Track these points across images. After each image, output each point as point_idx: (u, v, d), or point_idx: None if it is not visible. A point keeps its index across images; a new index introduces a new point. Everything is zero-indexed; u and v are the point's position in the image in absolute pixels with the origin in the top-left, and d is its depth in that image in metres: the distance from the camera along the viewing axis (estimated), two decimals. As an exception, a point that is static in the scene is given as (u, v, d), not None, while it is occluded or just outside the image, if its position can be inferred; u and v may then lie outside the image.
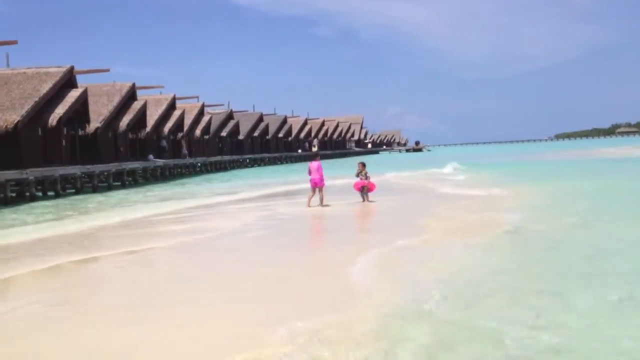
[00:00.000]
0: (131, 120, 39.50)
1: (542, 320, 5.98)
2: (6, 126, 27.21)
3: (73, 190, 28.92)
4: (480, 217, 13.95)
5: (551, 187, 21.44)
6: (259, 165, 64.01)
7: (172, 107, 48.11)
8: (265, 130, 73.27)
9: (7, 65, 33.06)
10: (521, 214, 14.02)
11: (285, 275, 8.74)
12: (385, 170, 38.26)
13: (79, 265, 10.33)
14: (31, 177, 25.04)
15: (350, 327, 5.95)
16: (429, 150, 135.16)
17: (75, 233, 14.34)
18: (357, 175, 18.81)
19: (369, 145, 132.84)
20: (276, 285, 8.08)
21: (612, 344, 5.34)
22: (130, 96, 40.39)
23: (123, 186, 33.18)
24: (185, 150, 48.30)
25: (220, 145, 61.55)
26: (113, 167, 33.63)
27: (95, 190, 29.84)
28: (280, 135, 78.96)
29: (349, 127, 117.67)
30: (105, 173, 33.05)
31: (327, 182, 18.57)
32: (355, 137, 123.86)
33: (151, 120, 43.93)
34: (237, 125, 64.32)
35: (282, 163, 70.55)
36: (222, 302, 7.29)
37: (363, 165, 18.88)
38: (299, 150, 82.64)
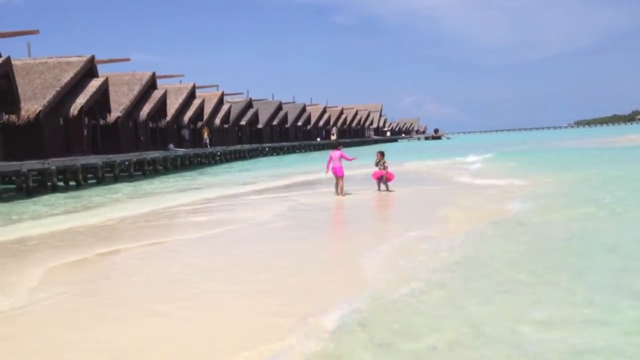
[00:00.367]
0: (151, 109, 39.73)
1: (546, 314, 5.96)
2: (28, 116, 27.44)
3: (95, 180, 29.17)
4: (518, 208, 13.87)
5: (595, 176, 20.73)
6: (278, 154, 64.14)
7: (192, 96, 48.29)
8: (284, 118, 73.31)
9: (29, 54, 33.39)
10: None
11: (311, 267, 8.82)
12: (405, 158, 38.13)
13: (103, 257, 10.48)
14: (53, 167, 25.10)
15: (370, 318, 5.98)
16: (448, 139, 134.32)
17: (102, 225, 14.51)
18: (376, 165, 18.77)
19: (388, 134, 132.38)
20: (298, 278, 8.13)
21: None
22: (151, 85, 40.62)
23: (144, 175, 33.41)
24: (206, 139, 48.37)
25: (239, 134, 61.72)
26: (134, 156, 33.84)
27: (116, 179, 30.06)
28: (299, 123, 78.96)
29: (368, 115, 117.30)
30: (127, 162, 33.24)
31: (345, 172, 18.49)
32: (374, 125, 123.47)
33: (171, 109, 44.15)
34: (256, 114, 64.41)
35: (300, 152, 70.66)
36: (243, 294, 7.36)
37: (382, 154, 18.79)
38: (318, 139, 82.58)
